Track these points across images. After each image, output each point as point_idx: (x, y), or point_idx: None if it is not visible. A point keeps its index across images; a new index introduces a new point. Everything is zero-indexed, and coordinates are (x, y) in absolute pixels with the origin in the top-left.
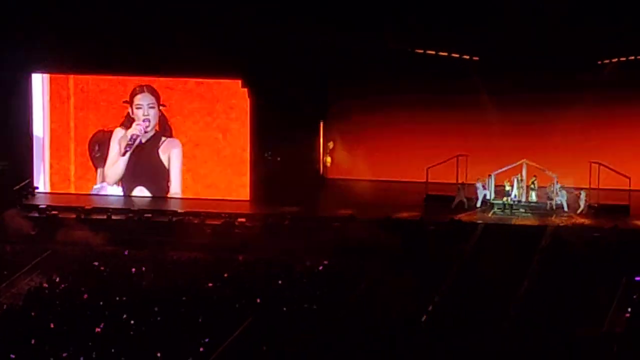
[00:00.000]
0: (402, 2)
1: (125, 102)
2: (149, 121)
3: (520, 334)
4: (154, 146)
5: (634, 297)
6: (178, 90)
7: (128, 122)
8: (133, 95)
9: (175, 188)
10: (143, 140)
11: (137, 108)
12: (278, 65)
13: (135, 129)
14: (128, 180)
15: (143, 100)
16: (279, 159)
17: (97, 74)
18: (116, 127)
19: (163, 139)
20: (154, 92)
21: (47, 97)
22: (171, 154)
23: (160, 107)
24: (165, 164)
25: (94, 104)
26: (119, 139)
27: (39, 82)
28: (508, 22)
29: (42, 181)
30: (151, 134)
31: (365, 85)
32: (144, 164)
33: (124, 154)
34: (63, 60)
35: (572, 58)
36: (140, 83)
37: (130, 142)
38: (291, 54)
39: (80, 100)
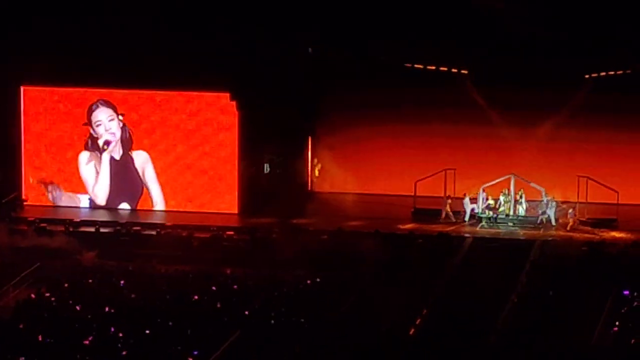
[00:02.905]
0: (390, 16)
1: (85, 124)
2: (114, 134)
3: (508, 348)
4: (128, 161)
5: (622, 310)
6: (164, 103)
7: (92, 144)
8: (89, 114)
9: (157, 199)
10: (117, 157)
11: (97, 125)
12: (266, 79)
13: (105, 137)
14: (113, 198)
15: (100, 115)
16: (262, 171)
17: (83, 87)
18: (80, 150)
19: (131, 152)
20: (109, 105)
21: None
22: (144, 167)
23: (120, 118)
24: (142, 177)
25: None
26: (86, 161)
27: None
28: (497, 36)
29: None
30: (119, 152)
31: (354, 99)
32: (125, 181)
33: (102, 151)
34: (51, 73)
35: (560, 72)
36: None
37: (105, 147)
38: (280, 68)
39: (53, 115)
